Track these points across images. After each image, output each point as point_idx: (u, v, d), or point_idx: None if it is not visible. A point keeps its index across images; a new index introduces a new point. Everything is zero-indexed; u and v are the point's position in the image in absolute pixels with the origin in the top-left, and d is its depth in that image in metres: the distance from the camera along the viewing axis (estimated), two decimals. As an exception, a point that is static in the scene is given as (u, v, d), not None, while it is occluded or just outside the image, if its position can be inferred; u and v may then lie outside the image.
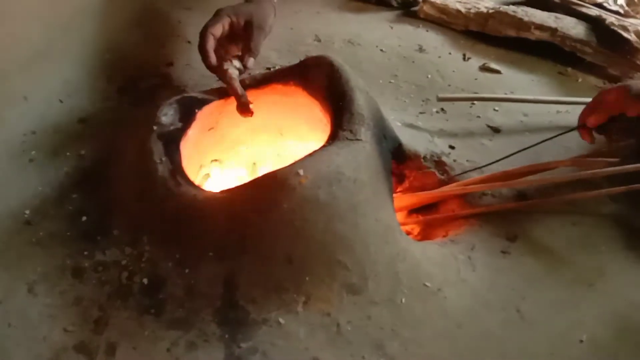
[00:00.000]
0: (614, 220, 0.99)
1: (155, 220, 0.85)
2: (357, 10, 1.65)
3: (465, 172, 1.08)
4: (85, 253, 0.86)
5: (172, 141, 0.89)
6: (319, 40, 1.47)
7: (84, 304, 0.80)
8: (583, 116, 1.02)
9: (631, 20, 1.52)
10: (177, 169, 0.85)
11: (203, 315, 0.78)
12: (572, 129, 1.10)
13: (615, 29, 1.44)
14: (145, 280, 0.81)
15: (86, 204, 0.93)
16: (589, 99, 1.28)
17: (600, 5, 1.57)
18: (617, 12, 1.56)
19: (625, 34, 1.43)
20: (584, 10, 1.55)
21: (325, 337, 0.78)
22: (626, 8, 1.61)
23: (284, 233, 0.79)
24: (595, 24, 1.50)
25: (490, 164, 1.08)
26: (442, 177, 1.08)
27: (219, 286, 0.79)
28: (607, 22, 1.47)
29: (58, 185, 0.96)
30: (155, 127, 0.90)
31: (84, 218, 0.91)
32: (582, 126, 1.02)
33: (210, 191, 0.86)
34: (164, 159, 0.85)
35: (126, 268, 0.83)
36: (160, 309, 0.79)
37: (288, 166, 0.79)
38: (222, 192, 0.83)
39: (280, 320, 0.79)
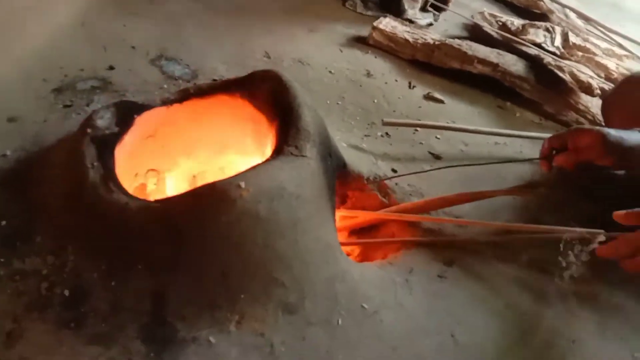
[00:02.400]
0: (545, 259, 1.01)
1: (82, 227, 0.80)
2: (308, 31, 1.66)
3: (396, 176, 1.12)
4: (2, 260, 0.79)
5: (106, 146, 0.84)
6: (269, 57, 1.46)
7: (-5, 315, 0.74)
8: (548, 144, 1.01)
9: (566, 61, 1.61)
10: (109, 175, 0.80)
11: (128, 332, 0.73)
12: (511, 160, 1.14)
13: (552, 68, 1.52)
14: (66, 292, 0.76)
15: (7, 208, 0.86)
16: (527, 133, 1.34)
17: (539, 45, 1.65)
18: (554, 53, 1.65)
19: (560, 74, 1.51)
20: (524, 48, 1.62)
21: (258, 358, 0.75)
22: (562, 50, 1.71)
23: (220, 247, 0.76)
24: (534, 63, 1.57)
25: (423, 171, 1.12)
26: (384, 199, 1.08)
27: (147, 301, 0.75)
28: (544, 61, 1.55)
29: (-24, 187, 0.89)
30: (89, 130, 0.85)
31: (4, 222, 0.84)
32: (544, 158, 1.01)
33: (143, 200, 0.81)
34: (95, 163, 0.80)
35: (47, 278, 0.77)
36: (81, 323, 0.73)
37: (229, 178, 0.76)
38: (156, 201, 0.79)
39: (211, 339, 0.75)
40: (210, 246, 0.76)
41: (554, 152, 1.01)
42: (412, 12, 1.88)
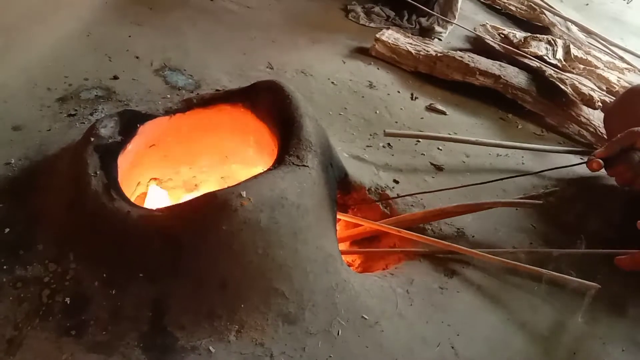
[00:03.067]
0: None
1: (84, 235, 0.80)
2: (311, 42, 1.67)
3: (404, 195, 1.11)
4: (5, 267, 0.79)
5: (109, 154, 0.85)
6: (272, 68, 1.47)
7: (-4, 322, 0.74)
8: (605, 154, 0.97)
9: (568, 74, 1.61)
10: (112, 184, 0.80)
11: (128, 340, 0.73)
12: (517, 175, 1.14)
13: (554, 81, 1.53)
14: (67, 300, 0.76)
15: (11, 216, 0.87)
16: (528, 145, 1.35)
17: (541, 58, 1.66)
18: (555, 66, 1.65)
19: (562, 86, 1.51)
20: (526, 61, 1.63)
21: (257, 367, 0.75)
22: (564, 62, 1.71)
23: (220, 256, 0.76)
24: (536, 75, 1.58)
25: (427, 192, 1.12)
26: (385, 210, 1.09)
27: (147, 309, 0.75)
28: (546, 74, 1.56)
29: (-20, 194, 0.89)
30: (92, 139, 0.85)
31: (7, 230, 0.84)
32: (591, 159, 0.97)
33: (145, 208, 0.82)
34: (99, 172, 0.81)
35: (48, 285, 0.78)
36: (82, 331, 0.74)
37: (230, 187, 0.77)
38: (158, 210, 0.80)
39: (211, 348, 0.75)
40: (210, 255, 0.76)
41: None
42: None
